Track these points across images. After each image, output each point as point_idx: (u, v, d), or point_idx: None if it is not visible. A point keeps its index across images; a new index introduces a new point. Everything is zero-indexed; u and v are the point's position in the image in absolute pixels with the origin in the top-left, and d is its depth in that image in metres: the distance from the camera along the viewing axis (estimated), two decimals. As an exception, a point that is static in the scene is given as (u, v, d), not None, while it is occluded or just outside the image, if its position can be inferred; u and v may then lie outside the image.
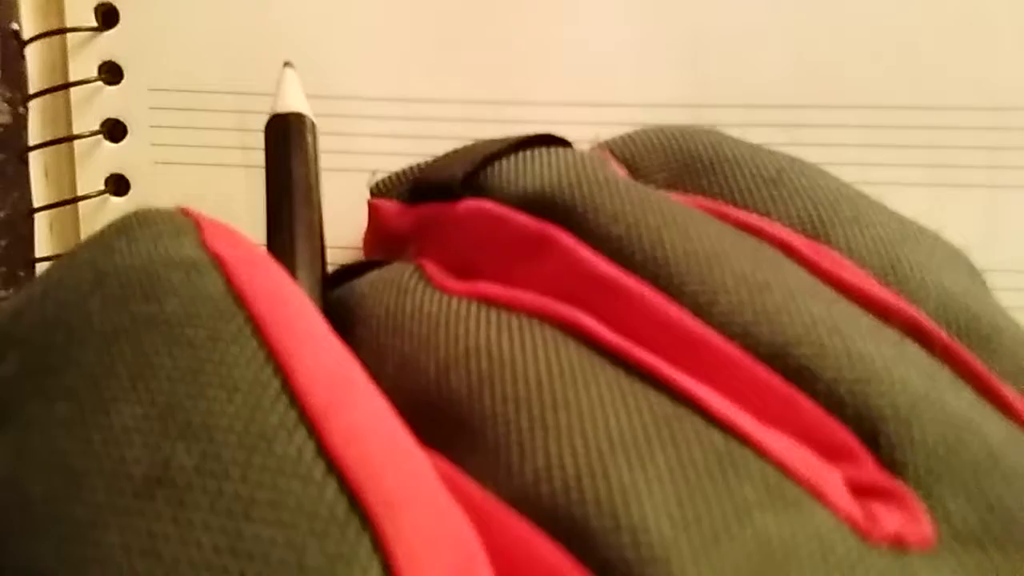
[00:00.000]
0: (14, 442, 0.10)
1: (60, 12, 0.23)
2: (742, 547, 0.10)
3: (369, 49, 0.23)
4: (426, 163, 0.18)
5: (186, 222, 0.13)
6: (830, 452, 0.11)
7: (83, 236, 0.23)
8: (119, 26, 0.23)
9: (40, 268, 0.24)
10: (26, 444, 0.10)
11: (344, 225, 0.23)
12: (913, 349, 0.13)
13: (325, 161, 0.23)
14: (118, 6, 0.23)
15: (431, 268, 0.15)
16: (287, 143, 0.17)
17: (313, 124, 0.18)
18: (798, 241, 0.14)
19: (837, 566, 0.10)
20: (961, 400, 0.12)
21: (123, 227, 0.12)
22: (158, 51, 0.23)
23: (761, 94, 0.23)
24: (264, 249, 0.13)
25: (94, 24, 0.23)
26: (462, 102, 0.23)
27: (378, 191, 0.18)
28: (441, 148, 0.22)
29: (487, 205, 0.15)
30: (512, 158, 0.16)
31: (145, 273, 0.11)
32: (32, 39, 0.23)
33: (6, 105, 0.25)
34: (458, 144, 0.23)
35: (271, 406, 0.10)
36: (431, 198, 0.16)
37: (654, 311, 0.12)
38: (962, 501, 0.11)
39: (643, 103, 0.23)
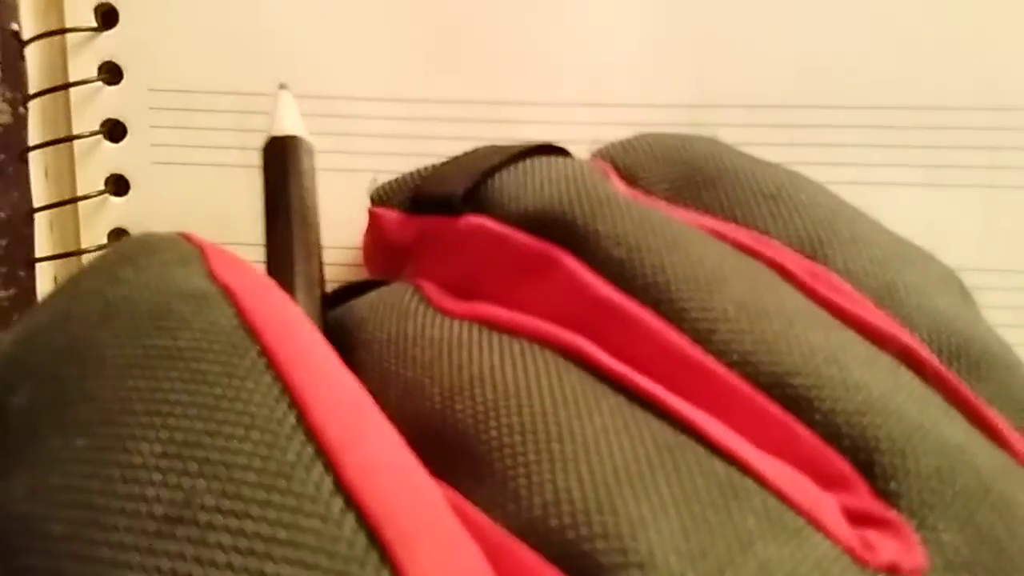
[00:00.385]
0: (31, 478, 0.10)
1: (60, 12, 0.23)
2: None
3: (368, 49, 0.23)
4: (427, 171, 0.18)
5: (191, 250, 0.13)
6: (827, 481, 0.11)
7: (83, 236, 0.23)
8: (119, 26, 0.23)
9: (40, 268, 0.23)
10: (44, 480, 0.10)
11: (343, 227, 0.23)
12: (907, 377, 0.13)
13: (324, 161, 0.23)
14: (118, 6, 0.23)
15: (431, 289, 0.15)
16: (285, 166, 0.17)
17: (310, 146, 0.18)
18: (795, 264, 0.14)
19: None
20: (953, 429, 0.12)
21: (127, 255, 0.12)
22: (158, 51, 0.23)
23: (761, 94, 0.23)
24: (267, 276, 0.13)
25: (94, 24, 0.23)
26: (461, 102, 0.23)
27: (379, 198, 0.18)
28: (441, 148, 0.22)
29: (488, 224, 0.15)
30: (513, 171, 0.16)
31: (155, 305, 0.11)
32: (32, 39, 0.23)
33: (6, 105, 0.25)
34: (457, 145, 0.23)
35: (288, 442, 0.10)
36: (432, 209, 0.16)
37: (655, 337, 0.13)
38: (954, 531, 0.11)
39: (643, 103, 0.23)
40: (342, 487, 0.09)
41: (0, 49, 0.24)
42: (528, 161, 0.16)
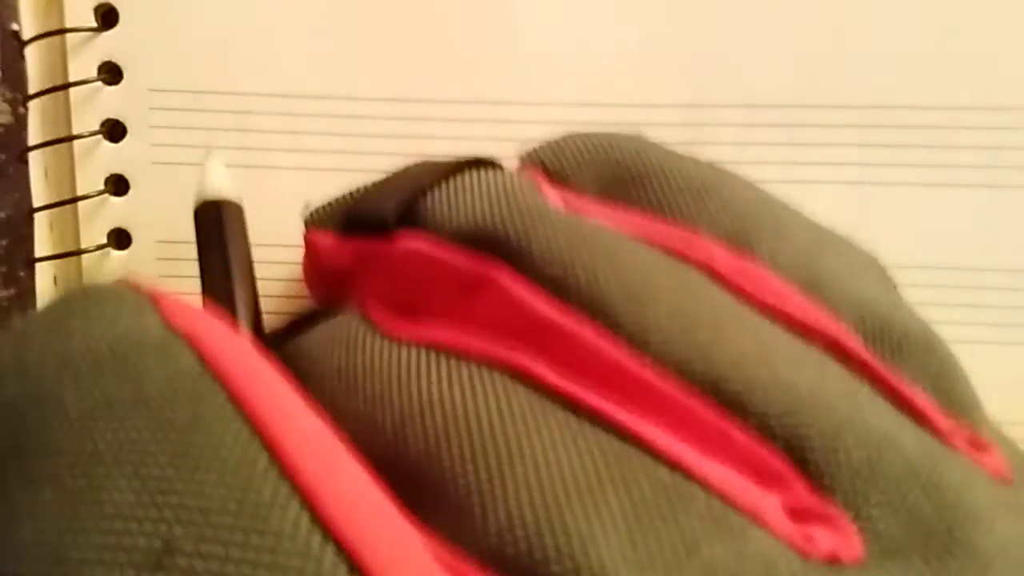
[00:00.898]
0: (1, 533, 0.10)
1: (60, 12, 0.23)
2: None
3: (367, 49, 0.23)
4: (359, 191, 0.18)
5: (141, 300, 0.13)
6: (765, 480, 0.12)
7: (83, 236, 0.23)
8: (119, 26, 0.23)
9: (39, 268, 0.23)
10: (16, 535, 0.10)
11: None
12: (835, 370, 0.14)
13: (324, 161, 0.23)
14: (117, 6, 0.23)
15: (376, 314, 0.15)
16: (221, 228, 0.18)
17: (241, 208, 0.19)
18: (723, 262, 0.15)
19: None
20: (880, 417, 0.13)
21: (72, 308, 0.12)
22: (157, 52, 0.23)
23: (760, 94, 0.23)
24: (222, 321, 0.13)
25: (94, 24, 0.23)
26: (460, 102, 0.23)
27: (312, 221, 0.18)
28: (440, 148, 0.22)
29: (422, 245, 0.15)
30: (445, 188, 0.16)
31: (113, 354, 0.11)
32: (32, 39, 0.23)
33: (6, 105, 0.25)
34: (457, 145, 0.23)
35: (262, 482, 0.10)
36: (366, 231, 0.16)
37: (593, 350, 0.13)
38: (888, 517, 0.12)
39: (642, 103, 0.23)
40: (319, 522, 0.10)
41: (0, 49, 0.24)
42: (460, 177, 0.16)
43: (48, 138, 0.23)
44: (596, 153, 0.17)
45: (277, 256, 0.23)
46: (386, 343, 0.14)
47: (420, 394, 0.13)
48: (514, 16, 0.23)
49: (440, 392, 0.13)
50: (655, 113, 0.23)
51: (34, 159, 0.23)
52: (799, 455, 0.12)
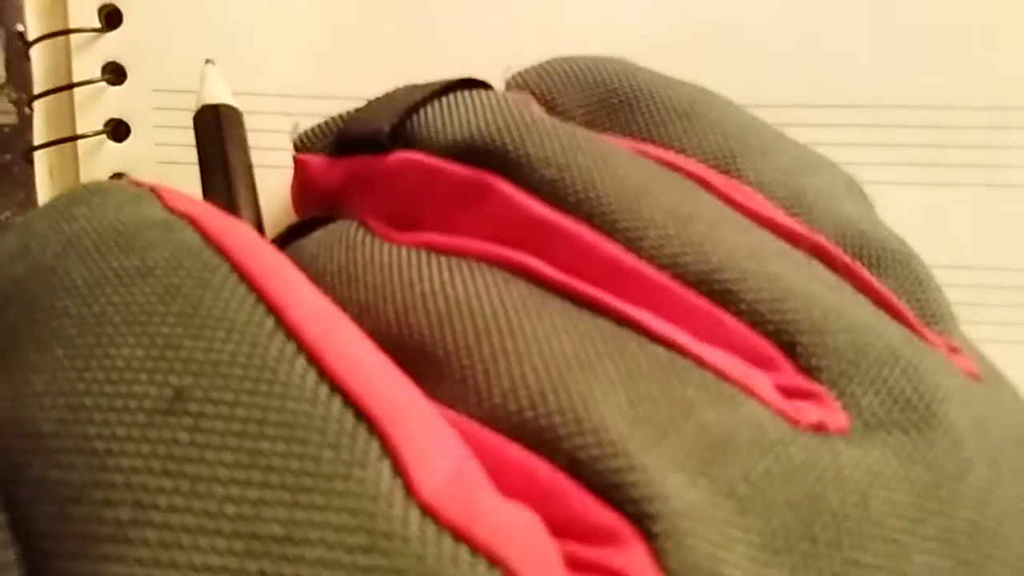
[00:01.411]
0: (12, 388, 0.10)
1: (64, 13, 0.23)
2: (688, 436, 0.11)
3: (368, 48, 0.23)
4: (349, 114, 0.18)
5: (142, 190, 0.13)
6: (756, 363, 0.13)
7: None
8: (122, 27, 0.23)
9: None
10: (27, 386, 0.10)
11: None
12: (819, 268, 0.14)
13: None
14: (121, 7, 0.23)
15: (374, 223, 0.15)
16: (220, 131, 0.19)
17: (239, 112, 0.19)
18: (712, 176, 0.15)
19: (771, 447, 0.11)
20: (863, 311, 0.14)
21: (77, 197, 0.13)
22: (161, 52, 0.23)
23: (760, 94, 0.23)
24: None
25: (98, 25, 0.23)
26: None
27: (302, 145, 0.18)
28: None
29: (418, 157, 0.15)
30: (436, 105, 0.16)
31: (117, 232, 0.12)
32: (37, 40, 0.23)
33: (11, 106, 0.25)
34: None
35: (269, 341, 0.10)
36: (358, 150, 0.17)
37: (590, 249, 0.14)
38: (870, 395, 0.13)
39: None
40: (326, 375, 0.10)
41: (5, 50, 0.24)
42: (451, 95, 0.16)
43: (53, 138, 0.23)
44: (582, 76, 0.18)
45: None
46: (385, 245, 0.14)
47: (421, 284, 0.13)
48: (512, 17, 0.23)
49: (441, 282, 0.13)
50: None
51: (39, 159, 0.23)
52: (788, 339, 0.13)
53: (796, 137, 0.23)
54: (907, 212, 0.23)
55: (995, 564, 0.12)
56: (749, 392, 0.12)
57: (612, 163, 0.14)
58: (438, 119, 0.16)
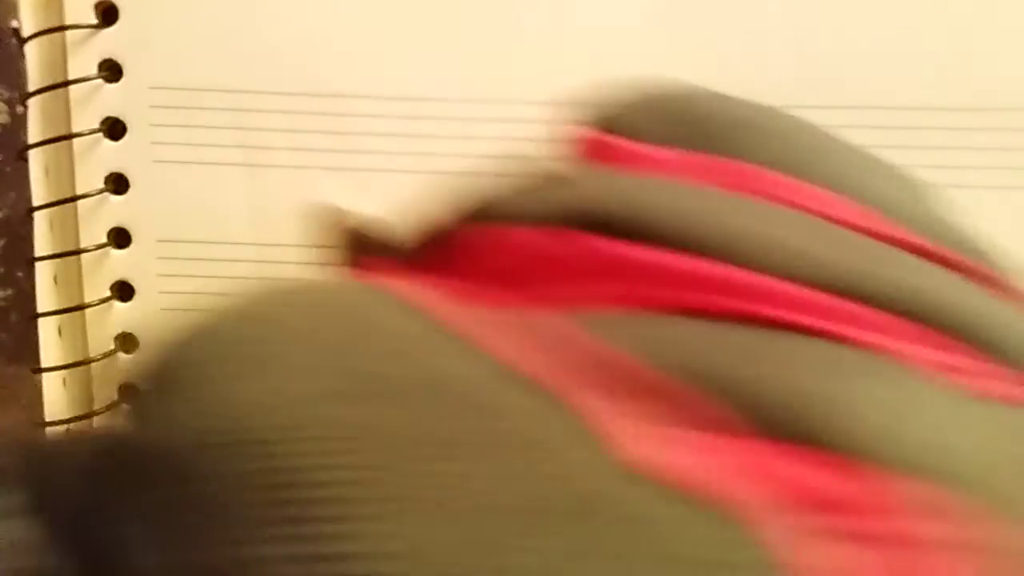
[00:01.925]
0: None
1: (60, 9, 0.23)
2: None
3: (368, 47, 0.23)
4: None
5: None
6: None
7: (82, 235, 0.23)
8: (119, 24, 0.23)
9: (39, 267, 0.23)
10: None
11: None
12: (933, 267, 0.14)
13: (322, 160, 0.23)
14: (118, 4, 0.23)
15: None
16: None
17: None
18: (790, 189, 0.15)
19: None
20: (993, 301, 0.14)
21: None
22: (158, 49, 0.23)
23: (758, 95, 0.23)
24: None
25: (94, 21, 0.23)
26: (464, 101, 0.23)
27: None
28: (439, 147, 0.22)
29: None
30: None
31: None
32: (32, 36, 0.23)
33: (3, 105, 0.25)
34: (459, 144, 0.23)
35: None
36: None
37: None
38: None
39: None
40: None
41: (-2, 48, 0.24)
42: None
43: (48, 135, 0.23)
44: (667, 114, 0.18)
45: (271, 256, 0.23)
46: None
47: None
48: (515, 15, 0.23)
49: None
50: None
51: (34, 157, 0.23)
52: (966, 338, 0.13)
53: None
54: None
55: None
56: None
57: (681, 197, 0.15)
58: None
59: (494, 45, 0.23)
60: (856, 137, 0.23)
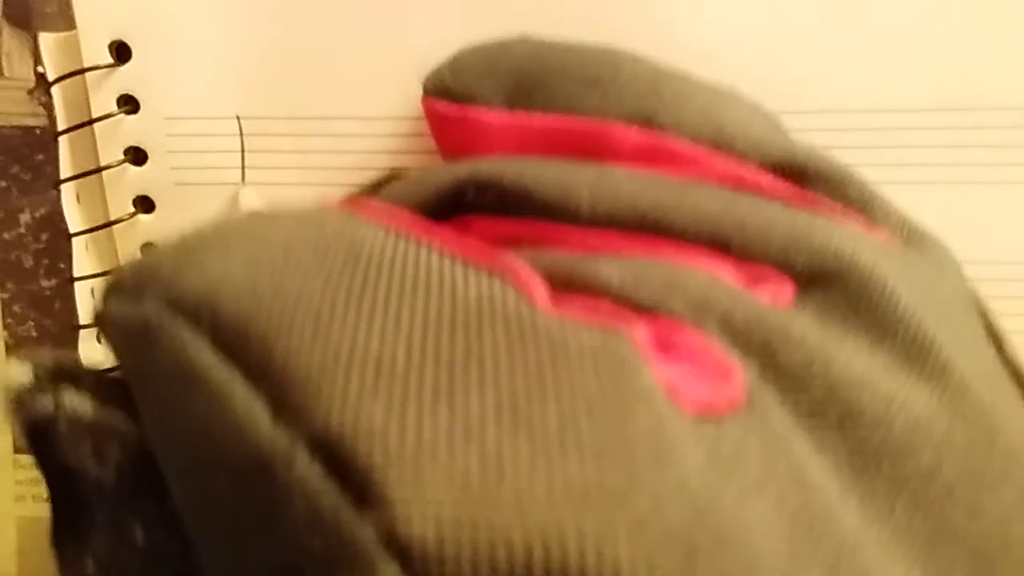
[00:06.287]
0: None
1: (77, 52, 0.24)
2: None
3: (369, 69, 0.25)
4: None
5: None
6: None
7: (120, 252, 0.26)
8: (132, 60, 0.25)
9: (79, 284, 0.26)
10: None
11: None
12: (729, 192, 0.17)
13: (330, 177, 0.25)
14: (128, 42, 0.25)
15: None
16: None
17: None
18: (634, 144, 0.18)
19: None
20: (772, 210, 0.17)
21: None
22: (169, 82, 0.25)
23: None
24: None
25: (110, 60, 0.25)
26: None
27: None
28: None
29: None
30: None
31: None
32: (56, 80, 0.25)
33: (42, 108, 0.27)
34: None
35: None
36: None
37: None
38: (798, 262, 0.16)
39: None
40: None
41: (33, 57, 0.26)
42: None
43: (79, 167, 0.25)
44: (494, 64, 0.19)
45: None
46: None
47: None
48: (505, 24, 0.24)
49: None
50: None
51: (66, 189, 0.25)
52: (723, 242, 0.16)
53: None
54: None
55: None
56: (717, 278, 0.15)
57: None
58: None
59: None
60: (822, 140, 0.24)
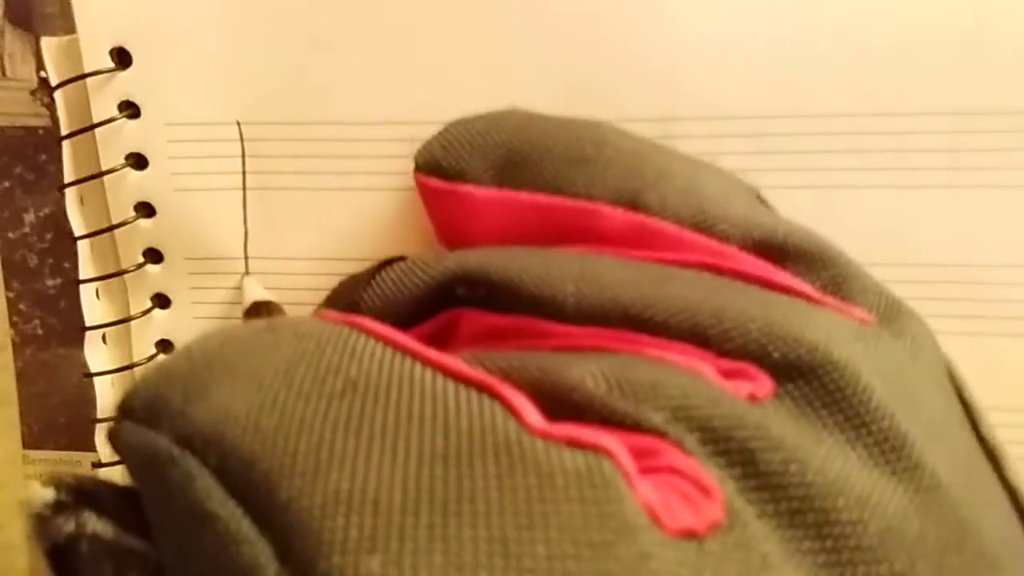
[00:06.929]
0: None
1: (78, 58, 0.25)
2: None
3: (366, 75, 0.25)
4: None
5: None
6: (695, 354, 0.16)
7: (122, 257, 0.26)
8: (133, 66, 0.25)
9: (84, 287, 0.26)
10: None
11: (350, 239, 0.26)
12: (708, 278, 0.17)
13: (328, 181, 0.25)
14: (128, 48, 0.25)
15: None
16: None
17: (280, 306, 0.24)
18: (618, 229, 0.18)
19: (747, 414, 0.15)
20: (746, 297, 0.17)
21: None
22: (169, 88, 0.25)
23: (729, 107, 0.24)
24: None
25: (111, 65, 0.25)
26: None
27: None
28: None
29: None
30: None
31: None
32: (59, 85, 0.25)
33: (45, 109, 0.27)
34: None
35: None
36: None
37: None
38: (774, 355, 0.16)
39: (614, 118, 0.24)
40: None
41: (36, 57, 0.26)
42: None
43: (82, 171, 0.26)
44: (481, 140, 0.20)
45: (283, 269, 0.26)
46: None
47: None
48: (505, 39, 0.24)
49: None
50: (627, 128, 0.24)
51: (70, 192, 0.26)
52: (702, 337, 0.16)
53: (763, 148, 0.24)
54: (866, 214, 0.24)
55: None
56: (699, 375, 0.15)
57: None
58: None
59: (485, 69, 0.24)
60: (816, 144, 0.24)
